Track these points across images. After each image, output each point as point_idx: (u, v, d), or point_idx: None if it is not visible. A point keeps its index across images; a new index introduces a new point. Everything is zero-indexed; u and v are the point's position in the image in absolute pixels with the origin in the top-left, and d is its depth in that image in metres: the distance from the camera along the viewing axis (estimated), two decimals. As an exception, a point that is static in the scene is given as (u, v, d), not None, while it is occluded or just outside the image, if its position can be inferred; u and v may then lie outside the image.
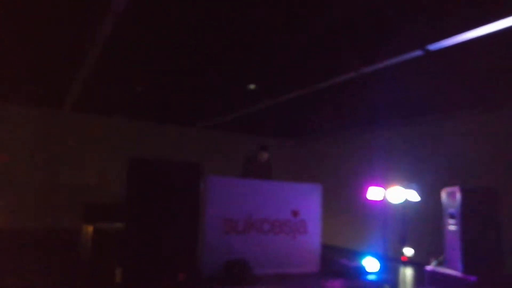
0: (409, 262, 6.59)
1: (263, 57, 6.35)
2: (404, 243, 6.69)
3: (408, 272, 6.19)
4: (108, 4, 4.29)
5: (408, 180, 6.63)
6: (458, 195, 4.57)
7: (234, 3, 4.48)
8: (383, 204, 6.33)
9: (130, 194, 3.33)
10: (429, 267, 4.93)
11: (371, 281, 5.34)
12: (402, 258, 6.62)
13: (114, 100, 8.82)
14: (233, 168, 6.83)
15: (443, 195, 4.89)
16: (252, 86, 7.51)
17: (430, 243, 5.88)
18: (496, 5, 4.36)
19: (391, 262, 6.64)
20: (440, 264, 4.88)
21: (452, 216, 4.68)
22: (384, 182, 6.39)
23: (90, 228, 5.53)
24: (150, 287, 3.20)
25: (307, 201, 5.68)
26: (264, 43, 5.76)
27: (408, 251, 6.65)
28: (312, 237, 5.62)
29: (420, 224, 6.64)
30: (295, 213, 5.55)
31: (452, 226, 4.68)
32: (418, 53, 5.92)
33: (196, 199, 3.47)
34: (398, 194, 6.32)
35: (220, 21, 5.00)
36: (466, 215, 4.52)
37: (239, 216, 5.05)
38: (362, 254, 5.85)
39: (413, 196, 6.25)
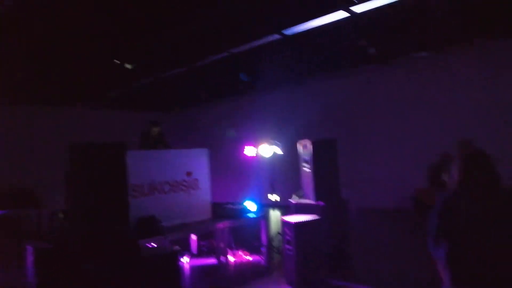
0: (278, 203, 8.38)
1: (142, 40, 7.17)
2: (273, 190, 8.40)
3: (277, 211, 7.97)
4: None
5: (273, 138, 8.22)
6: (309, 146, 6.27)
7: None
8: (256, 159, 7.86)
9: (71, 176, 4.04)
10: (292, 200, 6.64)
11: (251, 218, 6.90)
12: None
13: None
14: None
15: (299, 146, 6.57)
16: (129, 66, 8.19)
17: (292, 184, 7.65)
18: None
19: (265, 206, 8.34)
20: (300, 197, 6.64)
21: (306, 161, 6.39)
22: (255, 141, 7.87)
23: None
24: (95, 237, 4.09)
25: (198, 163, 6.88)
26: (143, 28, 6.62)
27: (275, 197, 8.38)
28: (204, 191, 6.90)
29: (285, 171, 8.44)
30: (189, 174, 6.72)
31: (306, 169, 6.40)
32: (276, 36, 7.45)
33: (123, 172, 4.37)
34: (266, 149, 7.87)
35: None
36: (315, 160, 6.25)
37: (144, 182, 6.04)
38: (243, 200, 7.33)
39: (277, 150, 7.88)
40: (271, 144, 7.76)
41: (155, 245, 5.26)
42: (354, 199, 7.88)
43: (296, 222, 5.74)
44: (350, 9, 6.36)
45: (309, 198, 6.37)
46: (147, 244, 5.16)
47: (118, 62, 7.98)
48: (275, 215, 8.24)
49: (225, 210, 6.92)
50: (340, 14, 6.62)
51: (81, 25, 6.33)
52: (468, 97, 9.12)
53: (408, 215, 8.79)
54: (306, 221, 5.86)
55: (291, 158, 7.39)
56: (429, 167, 7.80)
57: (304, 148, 6.41)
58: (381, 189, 9.53)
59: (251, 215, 6.90)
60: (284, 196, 8.25)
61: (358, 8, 6.38)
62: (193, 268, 6.94)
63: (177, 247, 5.13)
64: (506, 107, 8.61)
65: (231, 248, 7.22)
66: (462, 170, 2.57)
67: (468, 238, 2.39)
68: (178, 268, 5.12)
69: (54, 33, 6.50)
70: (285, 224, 5.92)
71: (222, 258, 6.99)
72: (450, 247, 2.40)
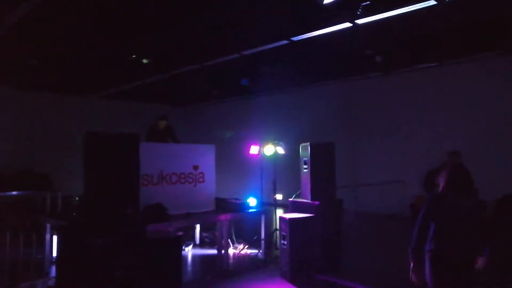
0: (281, 202, 8.77)
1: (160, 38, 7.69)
2: (276, 189, 8.77)
3: (279, 209, 8.36)
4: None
5: (277, 138, 8.56)
6: (309, 148, 6.67)
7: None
8: (260, 158, 8.26)
9: (88, 164, 4.52)
10: (290, 199, 7.04)
11: (252, 212, 7.32)
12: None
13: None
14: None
15: (300, 148, 6.97)
16: (145, 61, 8.70)
17: (293, 183, 8.04)
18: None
19: (267, 204, 8.70)
20: (297, 196, 7.03)
21: (305, 163, 6.78)
22: (260, 140, 8.26)
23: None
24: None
25: (204, 158, 7.36)
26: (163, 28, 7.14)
27: (278, 195, 8.71)
28: (209, 185, 7.37)
29: (288, 171, 8.85)
30: (195, 167, 7.20)
31: (305, 170, 6.80)
32: (284, 42, 7.88)
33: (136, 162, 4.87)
34: (270, 149, 8.24)
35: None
36: (313, 161, 6.65)
37: (154, 172, 6.53)
38: (246, 196, 7.75)
39: (280, 150, 8.25)
40: (275, 144, 8.14)
41: (160, 230, 5.73)
42: (350, 201, 8.27)
43: (291, 218, 6.15)
44: (355, 22, 6.75)
45: (305, 198, 6.74)
46: (153, 228, 5.64)
47: (135, 57, 8.51)
48: (276, 212, 8.62)
49: (228, 204, 7.36)
50: (345, 25, 6.99)
51: (104, 22, 6.86)
52: (467, 111, 9.42)
53: (403, 220, 9.17)
54: (300, 218, 6.27)
55: (294, 158, 7.79)
56: (426, 173, 8.15)
57: (304, 150, 6.80)
58: (379, 193, 9.88)
59: (252, 210, 7.31)
60: (286, 195, 8.62)
61: (362, 20, 6.74)
62: (194, 257, 7.40)
63: (180, 233, 5.59)
64: (505, 125, 8.86)
65: (232, 241, 7.65)
66: (449, 177, 3.44)
67: (448, 224, 3.39)
68: (180, 252, 5.59)
69: (77, 29, 7.05)
70: (281, 220, 6.33)
71: (222, 249, 7.41)
72: (436, 228, 3.40)
